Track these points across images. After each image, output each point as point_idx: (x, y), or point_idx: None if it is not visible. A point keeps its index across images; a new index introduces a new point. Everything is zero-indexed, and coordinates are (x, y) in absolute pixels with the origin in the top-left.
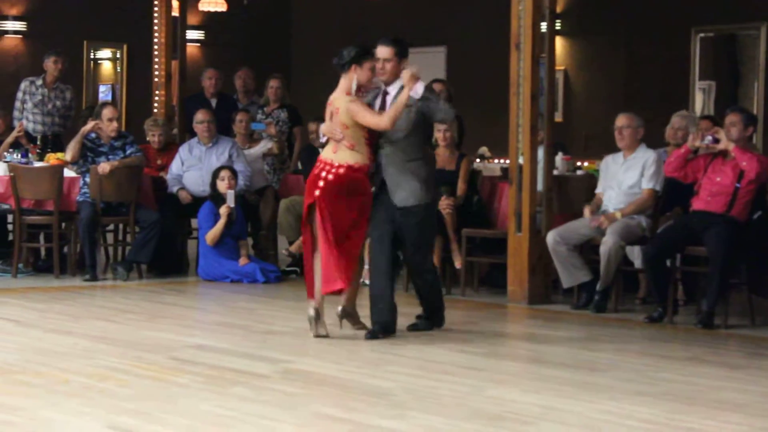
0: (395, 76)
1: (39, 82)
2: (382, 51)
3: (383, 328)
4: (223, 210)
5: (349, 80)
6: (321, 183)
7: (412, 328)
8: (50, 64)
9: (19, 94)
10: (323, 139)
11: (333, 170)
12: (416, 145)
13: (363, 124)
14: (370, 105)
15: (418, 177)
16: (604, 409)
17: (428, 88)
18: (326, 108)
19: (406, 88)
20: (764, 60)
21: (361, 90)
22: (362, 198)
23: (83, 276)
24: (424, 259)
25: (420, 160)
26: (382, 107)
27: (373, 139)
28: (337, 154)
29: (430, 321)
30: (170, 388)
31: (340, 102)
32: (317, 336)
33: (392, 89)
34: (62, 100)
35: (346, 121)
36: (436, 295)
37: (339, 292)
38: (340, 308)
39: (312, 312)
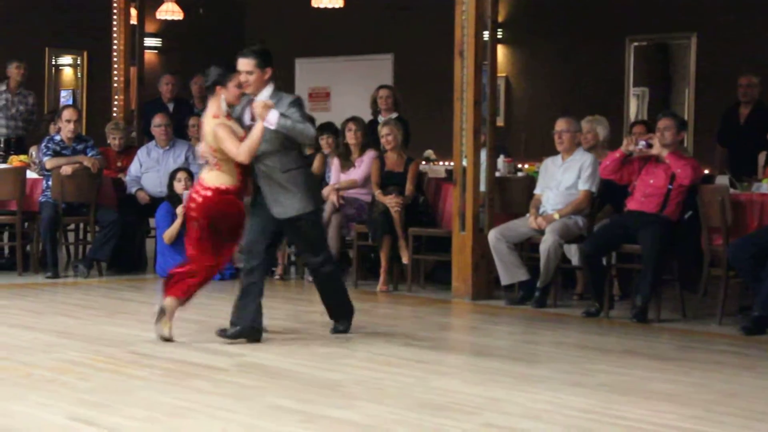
0: (261, 86)
1: (2, 87)
2: (243, 64)
3: (240, 333)
4: (179, 210)
5: (216, 102)
6: (193, 205)
7: (334, 331)
8: (13, 70)
9: None
10: (201, 161)
11: (203, 192)
12: (291, 156)
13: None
14: (239, 119)
15: (296, 187)
16: (544, 399)
17: (296, 104)
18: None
19: (260, 120)
20: (695, 68)
21: (231, 107)
22: (233, 221)
23: (45, 273)
24: (320, 259)
25: (296, 170)
26: (253, 119)
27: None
28: (208, 176)
29: (340, 322)
30: (129, 381)
31: (207, 125)
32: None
33: (261, 99)
34: (25, 105)
35: (213, 144)
36: (338, 288)
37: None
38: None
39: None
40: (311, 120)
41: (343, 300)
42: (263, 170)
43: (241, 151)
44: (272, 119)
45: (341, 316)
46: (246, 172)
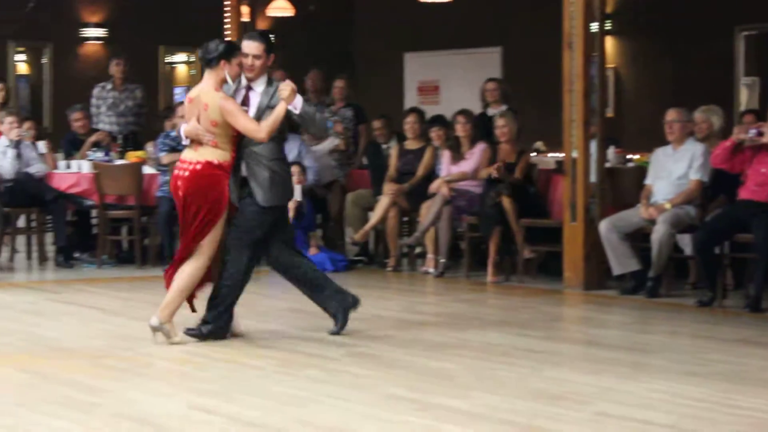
0: (263, 72)
1: (109, 86)
2: (252, 47)
3: (212, 332)
4: (290, 204)
5: (217, 75)
6: (179, 183)
7: (334, 333)
8: (113, 67)
9: (93, 100)
10: (186, 141)
11: (190, 167)
12: (279, 145)
13: (236, 127)
14: None
15: (279, 177)
16: (658, 389)
17: (305, 100)
18: (186, 106)
19: (284, 102)
20: None
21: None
22: (217, 199)
23: (164, 266)
24: (289, 253)
25: (281, 160)
26: (244, 104)
27: (240, 136)
28: (198, 152)
29: (337, 313)
30: (246, 371)
31: (210, 98)
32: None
33: (257, 86)
34: (133, 100)
35: (217, 118)
36: (313, 276)
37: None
38: (155, 321)
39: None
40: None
41: (328, 295)
42: (251, 157)
43: (263, 128)
44: (298, 103)
45: (335, 314)
46: (237, 151)
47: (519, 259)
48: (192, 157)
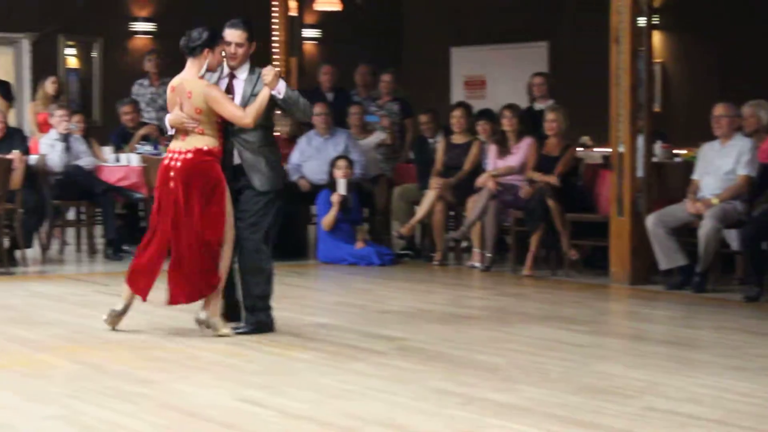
0: (245, 60)
1: (146, 82)
2: (235, 35)
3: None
4: (334, 198)
5: (200, 64)
6: (172, 173)
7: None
8: (147, 63)
9: (132, 97)
10: (171, 131)
11: (181, 157)
12: (269, 131)
13: (222, 114)
14: None
15: (272, 162)
16: (705, 383)
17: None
18: (168, 95)
19: (267, 88)
20: None
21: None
22: (214, 184)
23: None
24: (259, 238)
25: (272, 146)
26: (228, 91)
27: (226, 122)
28: (186, 141)
29: (248, 318)
30: (294, 364)
31: (195, 86)
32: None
33: (240, 74)
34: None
35: (201, 106)
36: (260, 280)
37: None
38: (202, 315)
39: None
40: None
41: (259, 294)
42: (244, 142)
43: (248, 113)
44: (281, 88)
45: (254, 310)
46: (225, 138)
47: (567, 256)
48: (180, 146)
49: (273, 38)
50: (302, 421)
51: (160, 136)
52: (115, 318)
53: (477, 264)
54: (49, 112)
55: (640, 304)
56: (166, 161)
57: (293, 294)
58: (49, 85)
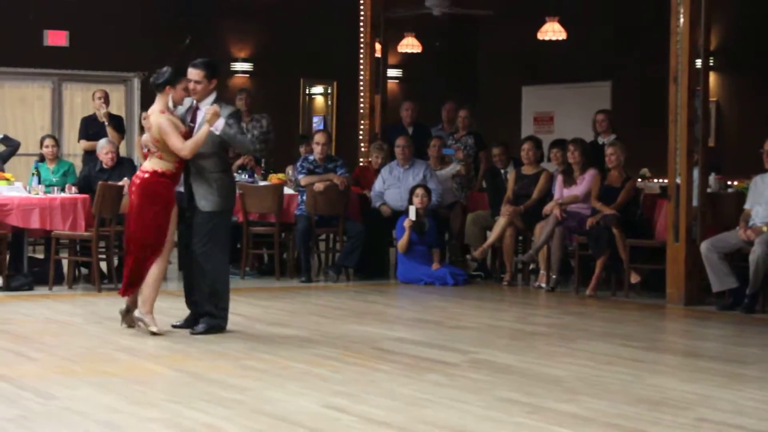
0: (205, 95)
1: None
2: (194, 74)
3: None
4: (405, 223)
5: (164, 99)
6: (133, 188)
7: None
8: (237, 101)
9: None
10: (145, 150)
11: (141, 176)
12: (220, 160)
13: (167, 144)
14: (183, 119)
15: (219, 188)
16: (754, 397)
17: (235, 116)
18: (144, 122)
19: (207, 124)
20: None
21: (176, 106)
22: (164, 203)
23: (300, 278)
24: (208, 251)
25: (222, 173)
26: (192, 121)
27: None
28: (149, 161)
29: (201, 321)
30: (374, 374)
31: (154, 119)
32: (128, 327)
33: (204, 106)
34: (259, 128)
35: (157, 135)
36: (215, 287)
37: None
38: (137, 313)
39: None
40: (243, 133)
41: (209, 297)
42: (197, 168)
43: (186, 146)
44: (219, 125)
45: (207, 314)
46: (182, 163)
47: (625, 278)
48: (146, 166)
49: (360, 78)
50: (381, 427)
51: (255, 166)
52: (126, 317)
53: (543, 285)
54: None
55: (694, 324)
56: (134, 177)
57: (374, 311)
58: None
